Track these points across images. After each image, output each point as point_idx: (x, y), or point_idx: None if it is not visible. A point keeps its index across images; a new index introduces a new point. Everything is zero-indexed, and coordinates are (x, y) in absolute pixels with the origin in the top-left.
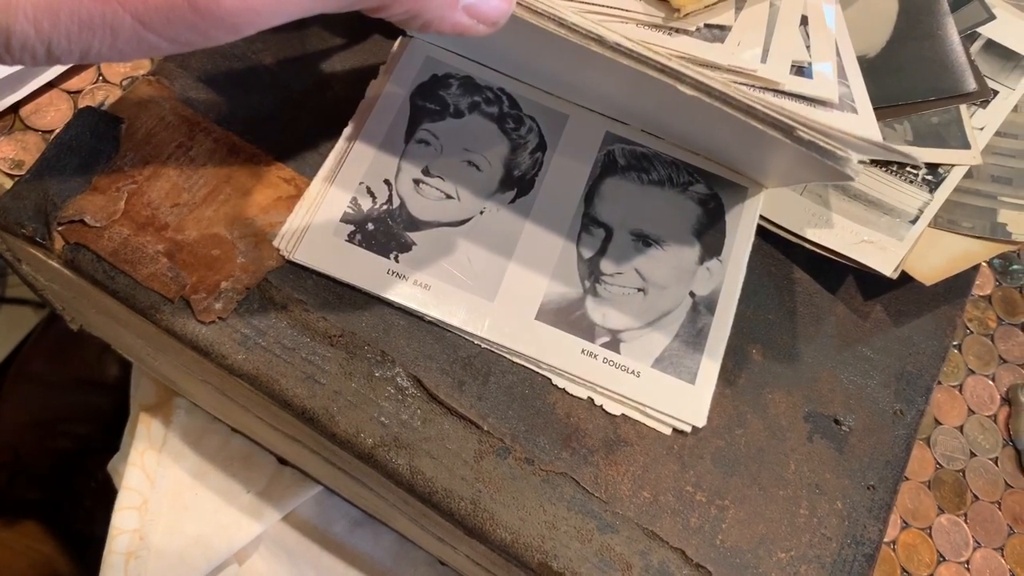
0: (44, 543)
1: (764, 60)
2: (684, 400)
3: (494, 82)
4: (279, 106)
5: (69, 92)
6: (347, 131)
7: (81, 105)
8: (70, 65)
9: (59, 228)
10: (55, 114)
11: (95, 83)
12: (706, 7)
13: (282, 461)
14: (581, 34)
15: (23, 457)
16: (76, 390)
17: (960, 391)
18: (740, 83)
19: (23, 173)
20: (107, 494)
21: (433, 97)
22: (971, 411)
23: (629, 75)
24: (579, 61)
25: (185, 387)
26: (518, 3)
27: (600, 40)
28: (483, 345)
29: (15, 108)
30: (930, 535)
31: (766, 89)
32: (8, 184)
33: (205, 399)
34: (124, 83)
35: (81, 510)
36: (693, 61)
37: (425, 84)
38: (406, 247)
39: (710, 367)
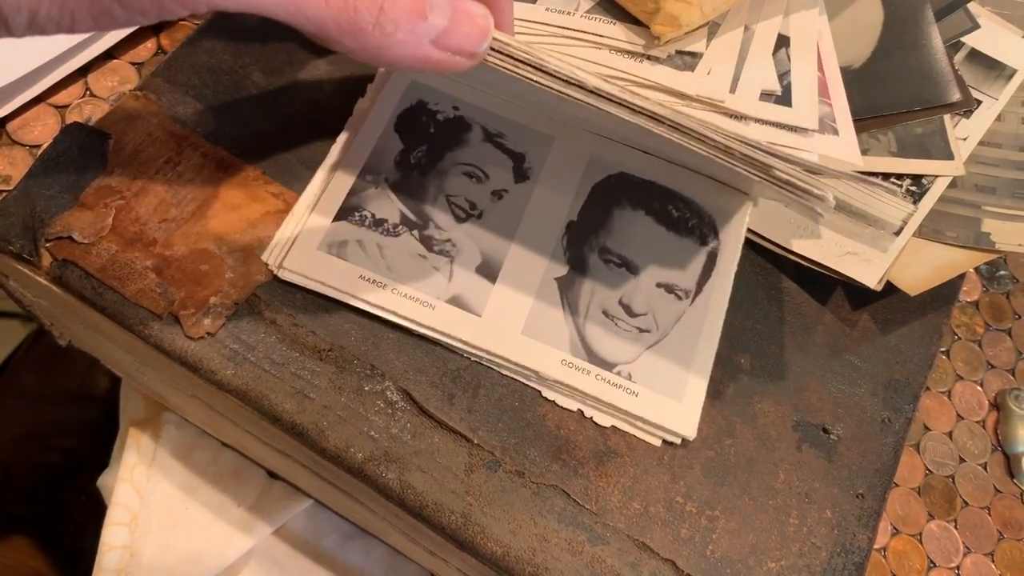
0: (34, 558)
1: (733, 90)
2: (674, 411)
3: (481, 108)
4: (267, 120)
5: (56, 107)
6: (335, 148)
7: (68, 120)
8: (22, 36)
9: (47, 244)
10: (42, 129)
11: (82, 97)
12: (684, 34)
13: (272, 475)
14: (561, 80)
15: (12, 472)
16: (65, 404)
17: (949, 397)
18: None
19: (10, 188)
20: (97, 508)
21: (416, 123)
22: (960, 417)
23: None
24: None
25: (174, 402)
26: (492, 49)
27: (581, 85)
28: (472, 358)
29: (2, 123)
30: (920, 541)
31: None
32: None
33: (195, 414)
34: (111, 98)
35: (71, 524)
36: (663, 90)
37: (410, 110)
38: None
39: (699, 377)
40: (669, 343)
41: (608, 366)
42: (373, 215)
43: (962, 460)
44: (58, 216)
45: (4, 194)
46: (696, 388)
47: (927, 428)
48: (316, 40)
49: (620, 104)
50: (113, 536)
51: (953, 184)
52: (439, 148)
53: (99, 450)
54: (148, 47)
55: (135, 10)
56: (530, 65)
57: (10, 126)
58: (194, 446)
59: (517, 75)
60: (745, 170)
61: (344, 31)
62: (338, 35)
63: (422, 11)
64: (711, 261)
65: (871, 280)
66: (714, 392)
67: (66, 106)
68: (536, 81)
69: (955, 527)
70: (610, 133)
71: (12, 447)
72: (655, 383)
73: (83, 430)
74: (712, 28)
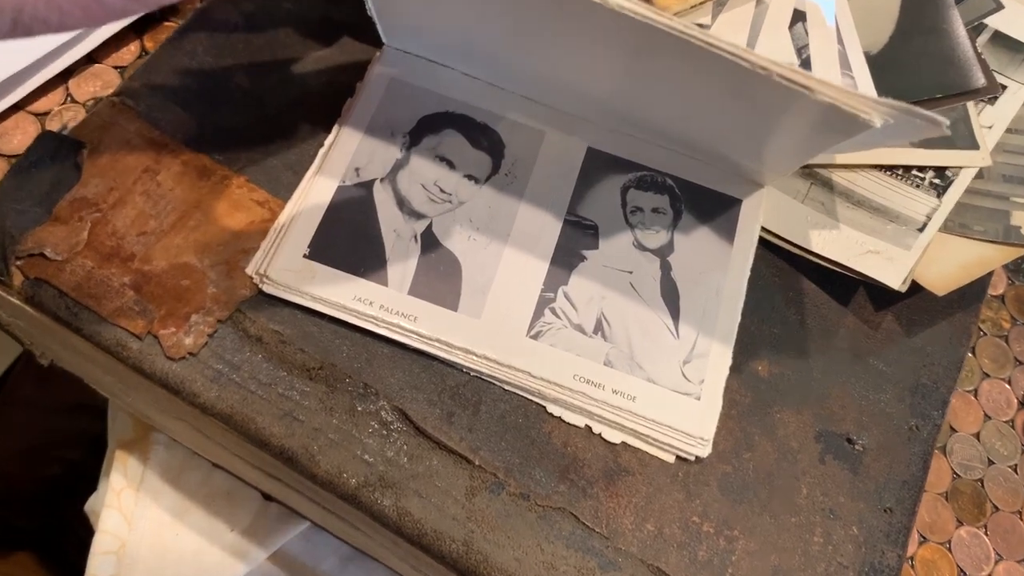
0: (37, 573)
1: None
2: (688, 425)
3: (465, 102)
4: (251, 124)
5: (36, 114)
6: (322, 151)
7: (49, 127)
8: (5, 39)
9: (17, 262)
10: (22, 137)
11: (63, 103)
12: (692, 7)
13: (267, 496)
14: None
15: (13, 484)
16: (66, 415)
17: (975, 396)
18: None
19: None
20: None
21: (399, 119)
22: (987, 417)
23: (628, 46)
24: (577, 32)
25: (162, 423)
26: None
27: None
28: (472, 372)
29: None
30: (950, 549)
31: None
32: None
33: (183, 435)
34: (89, 104)
35: (74, 538)
36: None
37: (392, 107)
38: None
39: (714, 387)
40: (684, 343)
41: (611, 364)
42: (361, 218)
43: (991, 462)
44: (29, 232)
45: None
46: (711, 397)
47: (953, 429)
48: None
49: (645, 24)
50: (100, 566)
51: (980, 175)
52: (425, 141)
53: (100, 462)
54: (131, 50)
55: None
56: None
57: None
58: (184, 467)
59: None
60: (789, 86)
61: None
62: None
63: None
64: (726, 251)
65: (895, 280)
66: (730, 402)
67: (46, 113)
68: None
69: (985, 533)
70: (611, 113)
71: (13, 459)
72: (667, 393)
73: (84, 441)
74: (718, 7)
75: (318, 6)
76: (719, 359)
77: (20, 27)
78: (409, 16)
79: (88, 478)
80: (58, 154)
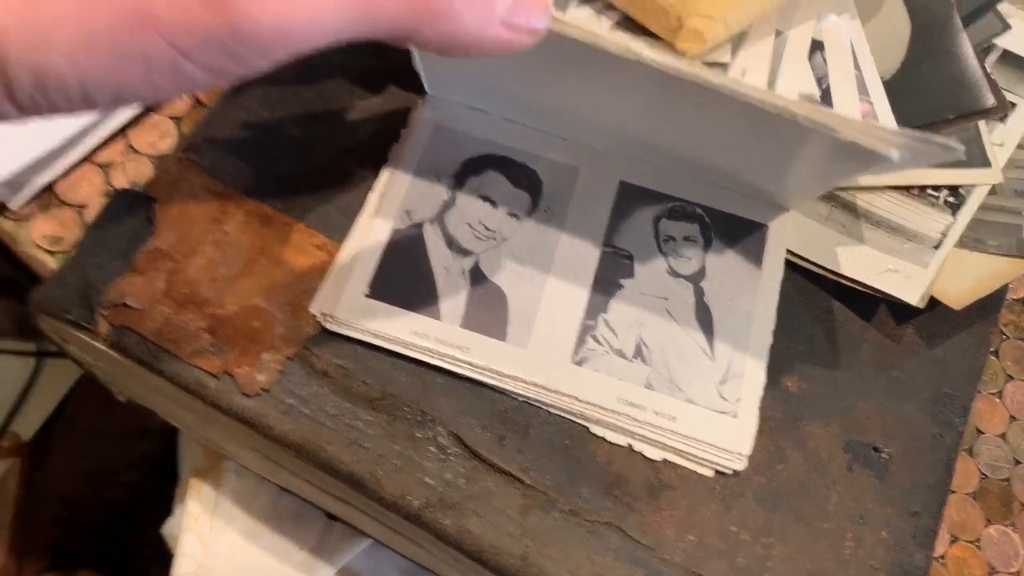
0: None
1: None
2: (726, 441)
3: (506, 144)
4: (305, 174)
5: (100, 165)
6: (372, 195)
7: (112, 177)
8: (103, 110)
9: (103, 312)
10: (88, 188)
11: (124, 153)
12: (710, 50)
13: (331, 516)
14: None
15: (76, 511)
16: (126, 438)
17: (1000, 398)
18: None
19: (63, 249)
20: (163, 544)
21: (445, 162)
22: (1013, 418)
23: (657, 90)
24: (608, 80)
25: (234, 453)
26: (554, 19)
27: (638, 60)
28: (520, 398)
29: (49, 186)
30: (979, 547)
31: None
32: (49, 262)
33: (253, 463)
34: (154, 157)
35: (139, 559)
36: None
37: (438, 151)
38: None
39: (750, 405)
40: (719, 364)
41: (651, 386)
42: (414, 258)
43: (1017, 462)
44: (112, 283)
45: (61, 263)
46: (747, 414)
47: (979, 431)
48: (389, 41)
49: (676, 76)
50: None
51: (993, 191)
52: (469, 183)
53: (161, 484)
54: (185, 100)
55: (216, 71)
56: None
57: (58, 188)
58: (254, 492)
59: (581, 39)
60: (810, 126)
61: (422, 20)
62: (415, 25)
63: None
64: (755, 274)
65: (913, 297)
66: (763, 417)
67: (109, 164)
68: (598, 44)
69: (1013, 531)
70: (641, 145)
71: (76, 485)
72: (704, 412)
73: (145, 464)
74: (739, 38)
75: (364, 58)
76: (753, 378)
77: (120, 101)
78: (454, 71)
79: (151, 501)
80: (132, 210)
